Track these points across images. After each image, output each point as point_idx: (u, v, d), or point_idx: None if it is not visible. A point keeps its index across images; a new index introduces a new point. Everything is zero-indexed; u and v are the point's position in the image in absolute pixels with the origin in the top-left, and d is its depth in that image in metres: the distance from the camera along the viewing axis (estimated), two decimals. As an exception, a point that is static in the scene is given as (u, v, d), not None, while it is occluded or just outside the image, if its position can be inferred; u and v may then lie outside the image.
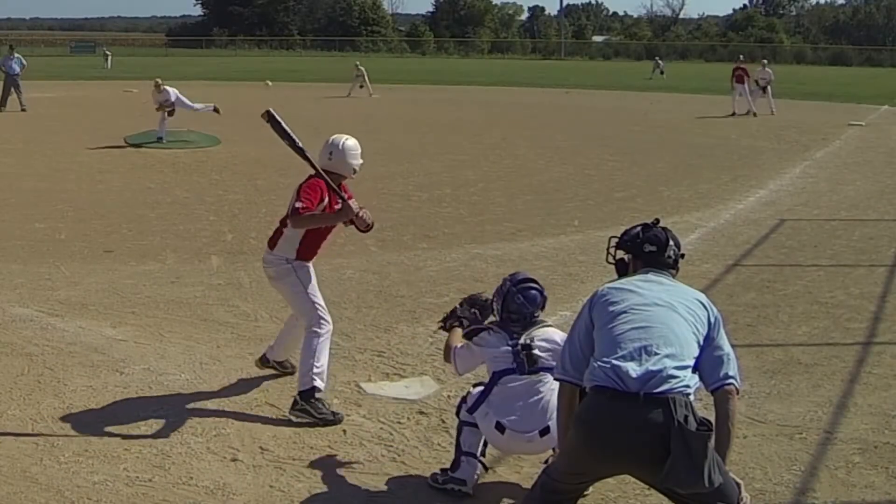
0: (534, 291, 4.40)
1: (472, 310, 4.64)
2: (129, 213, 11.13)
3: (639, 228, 3.78)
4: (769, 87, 26.18)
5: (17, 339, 6.33)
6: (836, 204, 12.41)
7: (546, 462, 4.16)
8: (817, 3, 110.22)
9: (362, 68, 33.64)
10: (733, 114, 25.29)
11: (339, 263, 8.74)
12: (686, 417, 3.13)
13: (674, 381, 3.21)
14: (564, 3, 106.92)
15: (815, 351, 6.29)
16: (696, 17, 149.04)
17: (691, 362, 3.33)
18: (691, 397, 3.27)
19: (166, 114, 17.76)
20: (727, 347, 3.49)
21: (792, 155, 17.63)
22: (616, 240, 3.82)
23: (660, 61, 54.33)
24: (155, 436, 4.80)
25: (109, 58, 55.02)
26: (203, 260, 8.86)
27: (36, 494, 4.16)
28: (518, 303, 4.35)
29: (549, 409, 4.09)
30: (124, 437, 4.77)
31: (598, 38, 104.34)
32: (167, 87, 18.03)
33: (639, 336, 3.33)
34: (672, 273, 3.72)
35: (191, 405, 5.20)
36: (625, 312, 3.43)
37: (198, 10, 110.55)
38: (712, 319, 3.49)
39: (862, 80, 47.43)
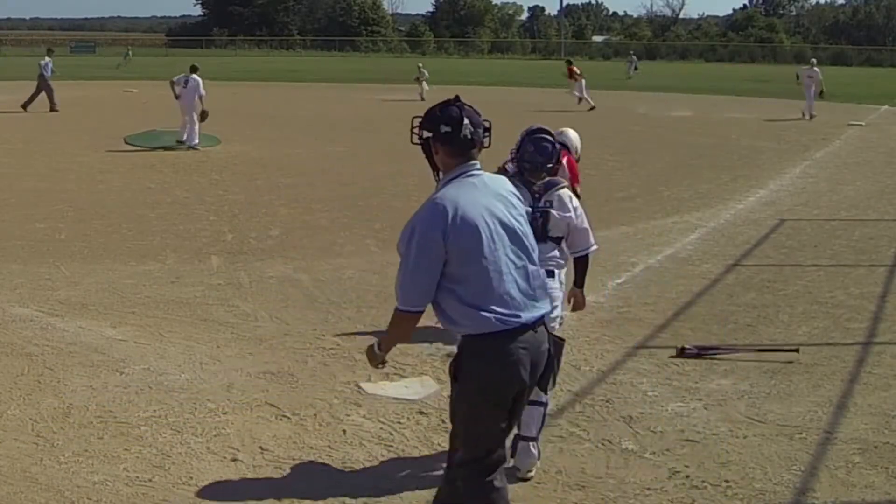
0: (545, 143, 4.57)
1: None
2: (129, 213, 11.12)
3: (438, 106, 3.64)
4: (813, 89, 25.52)
5: (17, 339, 6.33)
6: (836, 204, 12.42)
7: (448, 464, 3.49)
8: (817, 3, 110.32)
9: (425, 71, 33.74)
10: (593, 108, 27.30)
11: (340, 263, 8.75)
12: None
13: (546, 308, 3.49)
14: (564, 3, 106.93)
15: (815, 351, 6.29)
16: (695, 17, 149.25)
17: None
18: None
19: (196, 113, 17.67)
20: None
21: (792, 155, 17.63)
22: (419, 119, 3.71)
23: (634, 57, 51.25)
24: (155, 436, 4.80)
25: (129, 56, 53.71)
26: (203, 260, 8.85)
27: (36, 494, 4.16)
28: (530, 151, 4.55)
29: (546, 290, 3.76)
30: (124, 437, 4.78)
31: (597, 38, 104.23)
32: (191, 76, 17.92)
33: (510, 276, 3.37)
34: (476, 155, 3.60)
35: (191, 405, 5.20)
36: (483, 250, 3.35)
37: (198, 10, 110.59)
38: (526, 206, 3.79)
39: (862, 80, 47.47)
